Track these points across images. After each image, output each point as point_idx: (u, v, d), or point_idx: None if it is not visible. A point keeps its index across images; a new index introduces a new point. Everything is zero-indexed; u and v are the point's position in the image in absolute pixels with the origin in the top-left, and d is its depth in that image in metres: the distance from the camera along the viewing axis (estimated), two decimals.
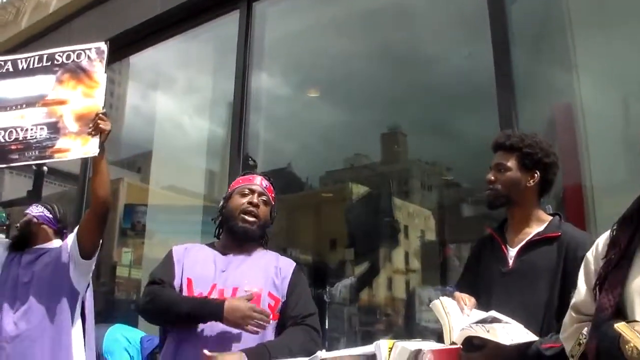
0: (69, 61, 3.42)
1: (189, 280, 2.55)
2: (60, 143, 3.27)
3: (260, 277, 2.57)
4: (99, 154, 3.20)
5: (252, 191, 2.70)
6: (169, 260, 2.65)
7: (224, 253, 2.66)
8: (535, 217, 2.51)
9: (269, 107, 5.95)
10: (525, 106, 3.52)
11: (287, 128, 6.56)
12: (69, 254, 3.26)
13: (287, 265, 2.67)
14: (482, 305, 2.32)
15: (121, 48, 5.94)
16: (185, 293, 2.53)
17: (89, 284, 3.36)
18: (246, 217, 2.63)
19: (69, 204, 6.08)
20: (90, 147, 3.21)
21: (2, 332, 3.13)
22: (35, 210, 3.54)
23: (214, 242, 2.77)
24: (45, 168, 6.57)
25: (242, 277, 2.55)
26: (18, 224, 3.54)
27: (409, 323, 5.34)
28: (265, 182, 2.75)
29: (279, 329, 2.53)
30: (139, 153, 7.62)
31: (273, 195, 2.78)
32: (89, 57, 3.42)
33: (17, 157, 3.31)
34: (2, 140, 3.32)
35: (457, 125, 6.06)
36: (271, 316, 2.43)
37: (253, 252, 2.68)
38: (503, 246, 2.51)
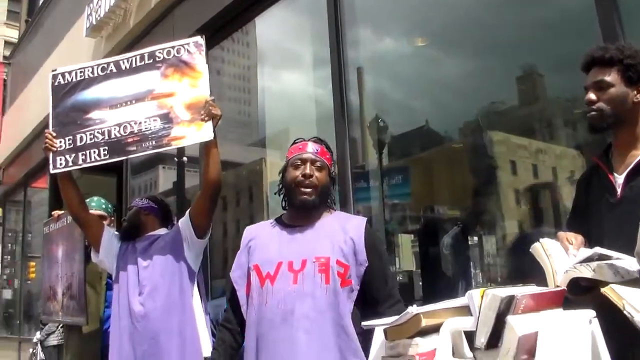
0: (170, 56, 3.62)
1: (255, 267, 2.69)
2: (175, 131, 3.47)
3: (328, 245, 2.63)
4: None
5: (304, 161, 2.74)
6: (239, 254, 2.86)
7: (290, 225, 2.76)
8: None
9: (392, 66, 5.90)
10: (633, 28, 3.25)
11: (414, 85, 6.48)
12: (182, 236, 3.49)
13: (356, 227, 2.72)
14: (595, 241, 2.17)
15: (224, 26, 6.09)
16: (254, 280, 2.68)
17: (201, 263, 3.57)
18: (302, 189, 2.69)
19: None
20: (204, 132, 3.40)
21: (132, 313, 3.42)
22: (141, 202, 3.80)
23: (282, 215, 2.87)
24: (185, 158, 6.94)
25: (309, 247, 2.63)
26: (126, 216, 3.80)
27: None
28: (315, 147, 2.79)
29: (358, 301, 2.63)
30: (277, 131, 7.78)
31: (328, 155, 2.81)
32: (188, 51, 3.60)
33: (134, 148, 3.53)
34: (118, 135, 3.56)
35: None
36: (339, 282, 2.56)
37: (319, 218, 2.76)
38: (609, 174, 2.31)
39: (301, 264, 2.60)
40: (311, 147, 2.79)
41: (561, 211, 6.09)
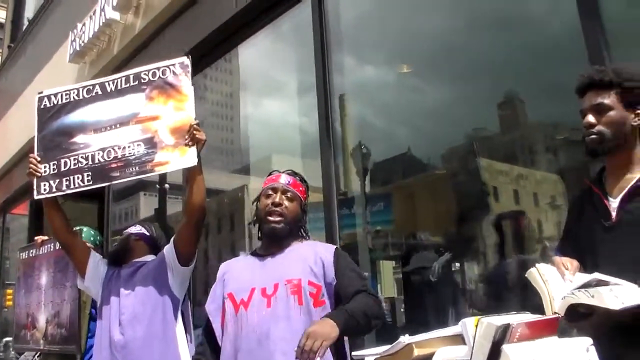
0: (156, 78, 3.56)
1: (230, 295, 2.77)
2: (158, 157, 3.42)
3: (299, 267, 2.72)
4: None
5: (275, 190, 2.86)
6: (214, 287, 2.93)
7: (263, 255, 2.85)
8: (637, 161, 2.27)
9: (373, 93, 5.92)
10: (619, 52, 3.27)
11: (396, 112, 6.49)
12: (166, 264, 3.44)
13: (326, 250, 2.82)
14: (589, 266, 2.15)
15: (209, 52, 6.09)
16: (228, 308, 2.75)
17: (186, 291, 3.52)
18: (270, 217, 2.80)
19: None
20: (188, 157, 3.35)
21: (111, 342, 3.35)
22: (134, 229, 3.75)
23: (256, 248, 2.98)
24: (167, 185, 6.90)
25: (280, 271, 2.72)
26: (117, 242, 3.76)
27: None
28: (288, 179, 2.92)
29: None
30: (259, 158, 7.78)
31: (302, 188, 2.94)
32: (174, 73, 3.54)
33: (118, 174, 3.48)
34: (102, 160, 3.50)
35: (574, 82, 5.76)
36: (312, 302, 2.64)
37: (289, 246, 2.85)
38: (603, 198, 2.28)
39: (273, 288, 2.68)
40: (284, 179, 2.92)
41: (544, 237, 6.15)
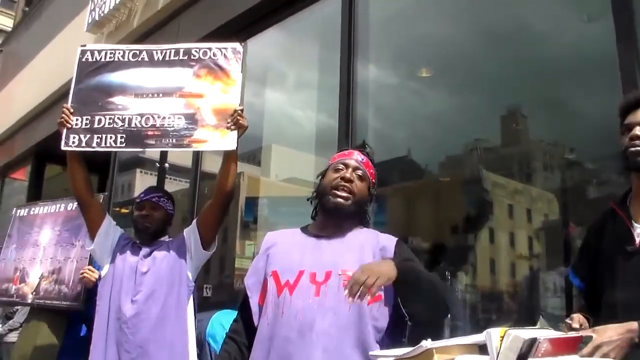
0: (206, 57, 3.50)
1: (274, 273, 2.48)
2: (198, 134, 3.34)
3: (355, 257, 2.41)
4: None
5: (346, 166, 2.54)
6: (256, 260, 2.63)
7: (317, 235, 2.54)
8: None
9: (378, 96, 5.89)
10: None
11: (400, 116, 6.49)
12: (186, 246, 3.38)
13: (388, 240, 2.48)
14: (607, 290, 2.15)
15: (229, 38, 6.07)
16: (271, 287, 2.46)
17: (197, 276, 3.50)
18: (337, 192, 2.49)
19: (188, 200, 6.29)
20: (228, 140, 3.28)
21: (122, 317, 3.29)
22: (166, 204, 3.65)
23: (308, 225, 2.65)
24: (167, 165, 6.85)
25: (335, 259, 2.42)
26: (147, 214, 3.61)
27: (533, 309, 5.19)
28: (361, 157, 2.59)
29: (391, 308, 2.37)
30: (258, 147, 7.77)
31: (372, 170, 2.59)
32: (225, 56, 3.48)
33: (153, 142, 3.40)
34: (139, 125, 3.42)
35: (578, 103, 5.79)
36: (368, 298, 2.25)
37: (349, 231, 2.54)
38: (627, 222, 2.21)
39: (325, 276, 2.39)
40: (357, 156, 2.61)
41: (534, 252, 6.22)
